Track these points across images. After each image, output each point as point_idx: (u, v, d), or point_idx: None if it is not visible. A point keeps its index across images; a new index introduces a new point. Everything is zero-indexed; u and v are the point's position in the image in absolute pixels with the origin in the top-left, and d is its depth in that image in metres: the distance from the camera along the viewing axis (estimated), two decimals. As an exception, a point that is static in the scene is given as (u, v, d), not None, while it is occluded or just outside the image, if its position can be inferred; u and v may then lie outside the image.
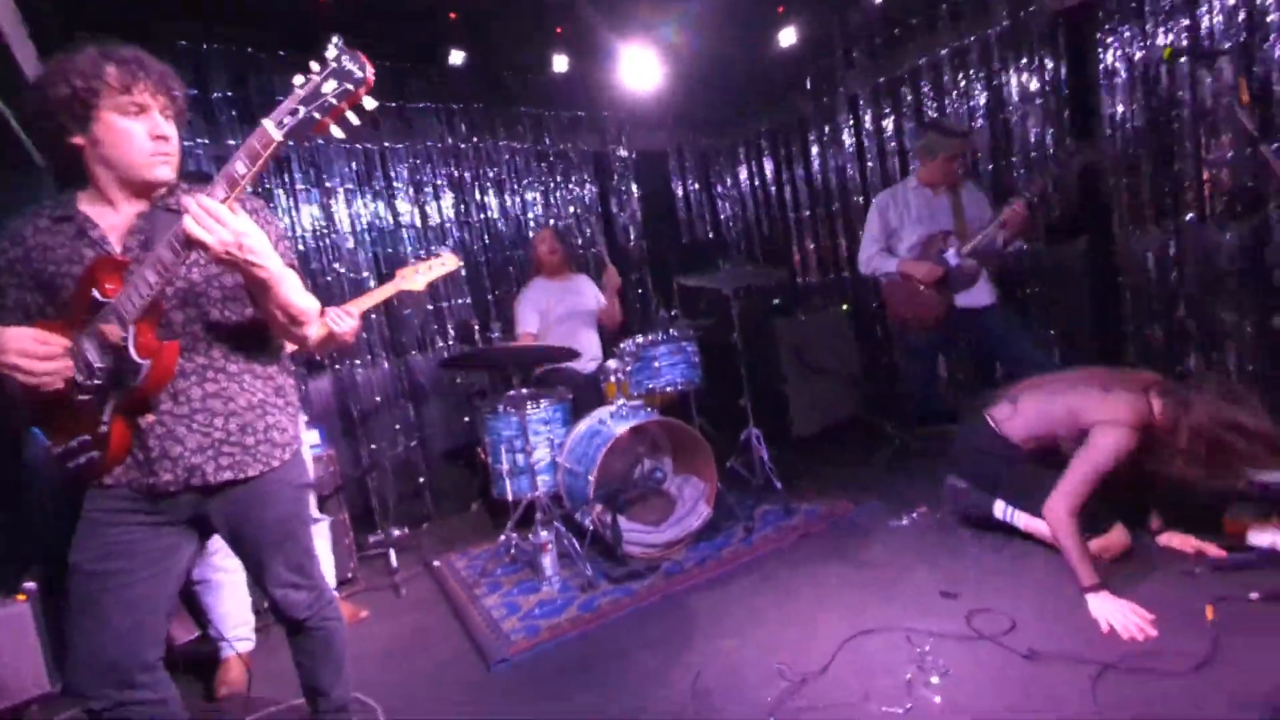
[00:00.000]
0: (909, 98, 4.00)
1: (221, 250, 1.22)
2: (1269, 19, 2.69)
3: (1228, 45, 2.77)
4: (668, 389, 3.12)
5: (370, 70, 1.19)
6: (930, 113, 3.91)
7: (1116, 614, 1.85)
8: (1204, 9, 2.84)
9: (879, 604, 2.19)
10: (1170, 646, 1.74)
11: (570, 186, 4.59)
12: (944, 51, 3.77)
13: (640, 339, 3.17)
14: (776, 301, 4.40)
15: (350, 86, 1.18)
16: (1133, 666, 1.68)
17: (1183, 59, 2.88)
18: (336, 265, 3.66)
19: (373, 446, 3.67)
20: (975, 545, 2.49)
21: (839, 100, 4.39)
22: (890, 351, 4.42)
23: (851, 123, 4.37)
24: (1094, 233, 3.36)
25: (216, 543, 2.16)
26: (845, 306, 4.36)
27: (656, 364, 3.10)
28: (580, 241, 4.63)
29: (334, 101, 1.18)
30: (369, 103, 1.22)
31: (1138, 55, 3.07)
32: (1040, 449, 2.32)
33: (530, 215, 4.39)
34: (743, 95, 4.97)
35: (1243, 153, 2.80)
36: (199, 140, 3.19)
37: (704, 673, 1.96)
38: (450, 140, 4.06)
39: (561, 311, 3.64)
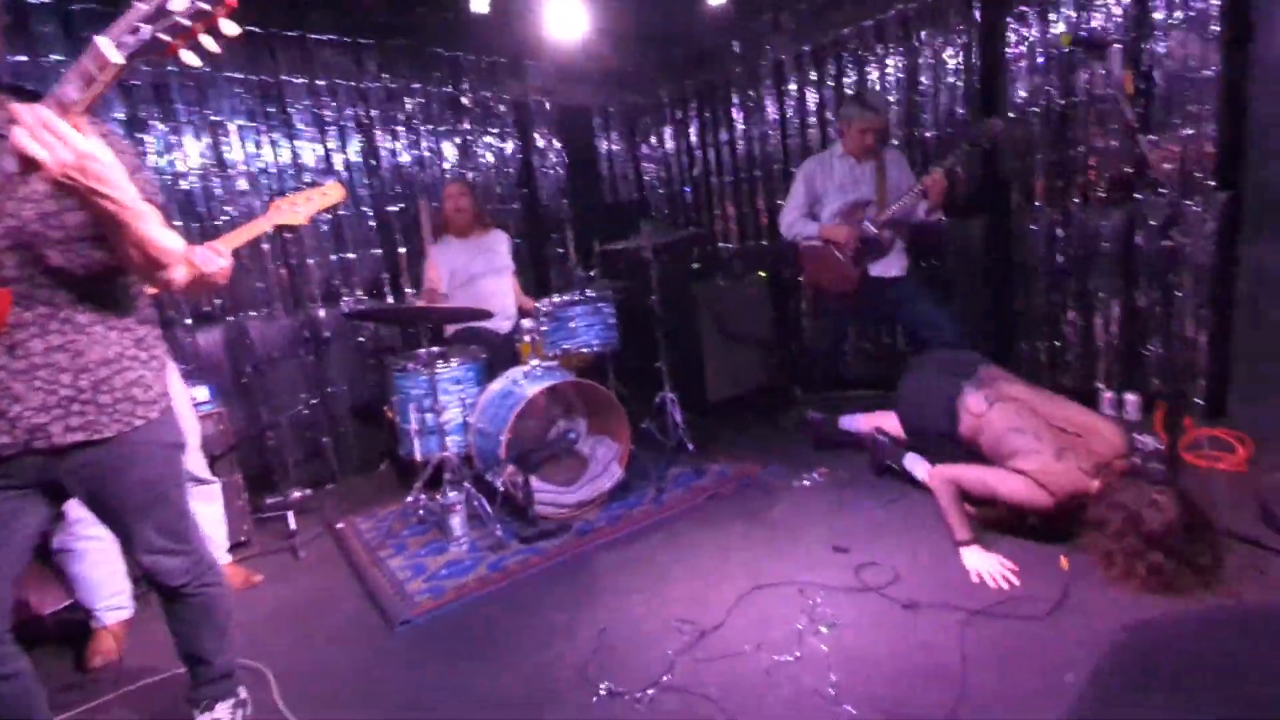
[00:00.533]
0: (832, 67, 4.04)
1: (59, 170, 1.05)
2: (1155, 16, 2.86)
3: (1117, 37, 2.93)
4: (583, 350, 3.09)
5: None
6: (850, 83, 3.97)
7: (985, 565, 2.02)
8: (1101, 1, 2.99)
9: (777, 560, 2.29)
10: (1031, 593, 1.91)
11: (489, 138, 4.39)
12: (868, 23, 3.81)
13: (557, 299, 3.11)
14: (696, 266, 4.42)
15: (206, 6, 1.02)
16: (996, 613, 1.84)
17: (1078, 47, 3.03)
18: (228, 209, 3.37)
19: (271, 403, 3.46)
20: (869, 501, 2.64)
21: (764, 66, 4.38)
22: (803, 319, 4.54)
23: (775, 89, 4.38)
24: (993, 211, 3.54)
25: (82, 509, 2.00)
26: (763, 274, 4.44)
27: (573, 325, 3.06)
28: (500, 195, 4.46)
29: (185, 22, 1.02)
30: (229, 27, 1.06)
31: (1041, 40, 3.21)
32: (970, 447, 2.39)
33: (446, 164, 4.18)
34: (670, 54, 4.87)
35: (1125, 142, 3.00)
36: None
37: (609, 629, 2.00)
38: (358, 79, 3.77)
39: (474, 270, 3.52)
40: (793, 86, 4.27)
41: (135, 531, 1.43)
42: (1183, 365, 3.01)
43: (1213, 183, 2.84)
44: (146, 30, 1.02)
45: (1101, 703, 1.22)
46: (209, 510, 2.55)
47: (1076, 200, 3.24)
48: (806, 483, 2.91)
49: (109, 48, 1.03)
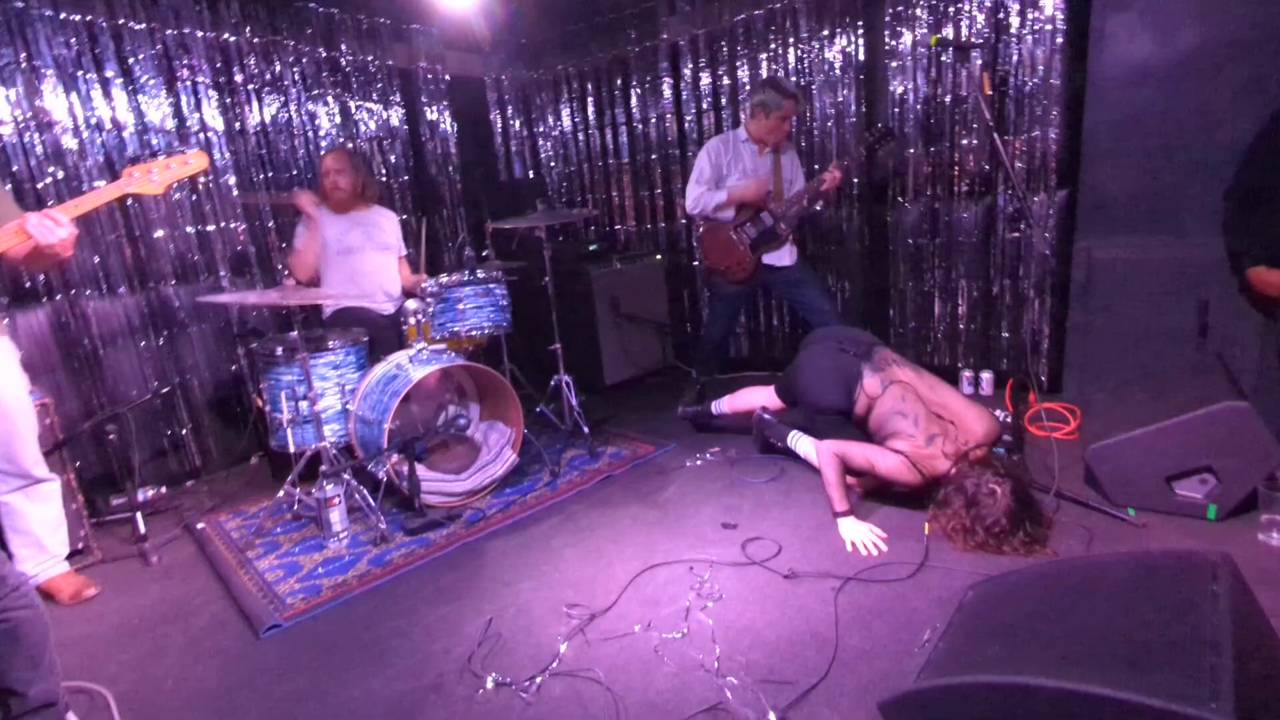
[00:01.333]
0: (726, 53, 4.09)
1: None
2: (1012, 24, 3.11)
3: (978, 41, 3.17)
4: (473, 333, 2.98)
5: None
6: (743, 71, 4.04)
7: (859, 535, 2.15)
8: (966, 4, 3.21)
9: (669, 538, 2.33)
10: (899, 559, 2.06)
11: (371, 105, 4.10)
12: (758, 12, 3.88)
13: (445, 279, 2.97)
14: (593, 248, 4.38)
15: None
16: (867, 578, 1.97)
17: (944, 48, 3.25)
18: (53, 170, 2.94)
19: (112, 393, 3.08)
20: (755, 478, 2.74)
21: (660, 46, 4.38)
22: (698, 302, 4.63)
23: (671, 72, 4.38)
24: (871, 202, 3.75)
25: None
26: (659, 257, 4.47)
27: (461, 306, 2.94)
28: (385, 169, 4.19)
29: None
30: None
31: (915, 40, 3.40)
32: (857, 422, 2.55)
33: (322, 132, 3.86)
34: (567, 29, 4.75)
35: (984, 141, 3.27)
36: None
37: (496, 618, 1.95)
38: (214, 30, 3.39)
39: (351, 242, 3.28)
40: (688, 70, 4.29)
41: None
42: (1028, 347, 3.35)
43: (1054, 181, 3.14)
44: None
45: (949, 654, 1.33)
46: (45, 512, 2.25)
47: (942, 194, 3.49)
48: (699, 462, 2.98)
49: None
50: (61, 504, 2.33)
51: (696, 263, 4.51)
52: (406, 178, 4.30)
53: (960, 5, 3.23)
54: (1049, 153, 3.14)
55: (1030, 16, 3.07)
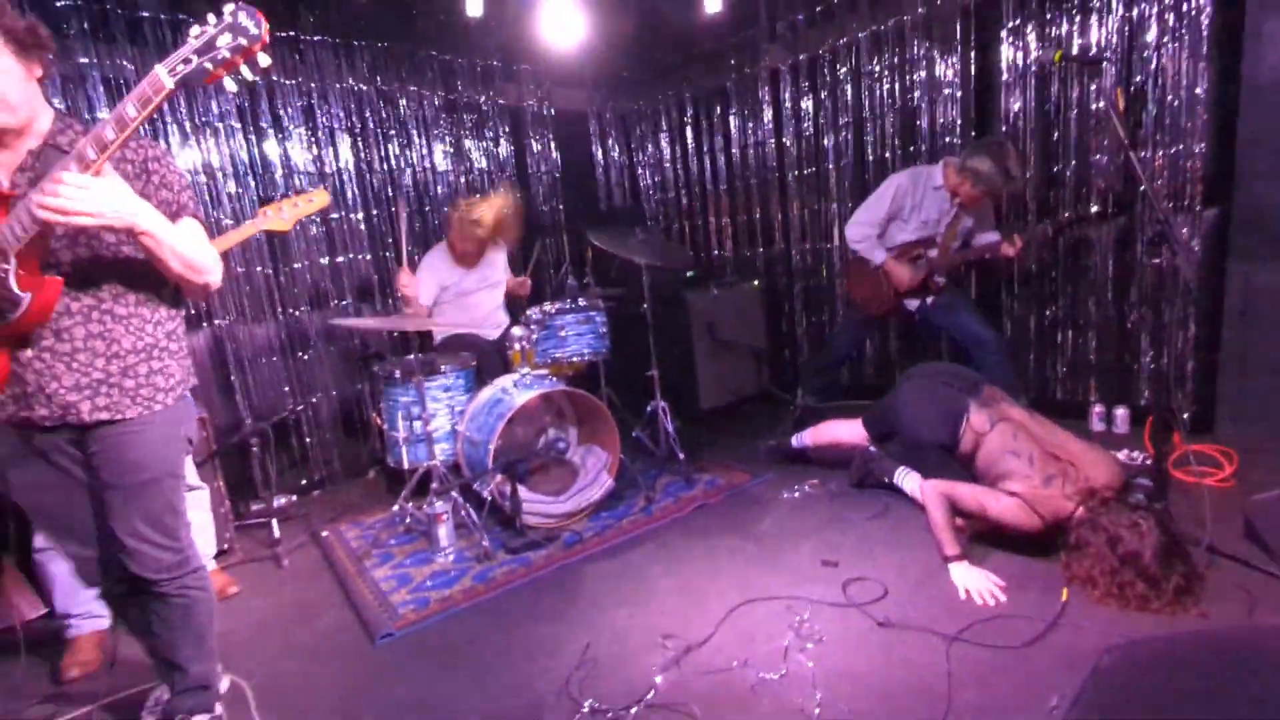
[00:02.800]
0: (829, 77, 4.04)
1: (77, 226, 1.27)
2: (1148, 36, 2.88)
3: (1109, 55, 2.95)
4: (574, 359, 3.07)
5: (265, 27, 1.23)
6: (847, 92, 3.96)
7: (974, 582, 2.01)
8: (1094, 16, 3.01)
9: (765, 573, 2.27)
10: (1019, 611, 1.90)
11: (483, 142, 4.37)
12: (863, 34, 3.82)
13: (548, 307, 3.09)
14: (690, 274, 4.41)
15: (244, 41, 1.21)
16: (984, 631, 1.83)
17: (1069, 63, 3.04)
18: (216, 213, 3.33)
19: (256, 409, 3.42)
20: (858, 514, 2.63)
21: (761, 74, 4.39)
22: (796, 328, 4.54)
23: (772, 98, 4.38)
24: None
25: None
26: (756, 283, 4.43)
27: (563, 333, 3.04)
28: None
29: (227, 54, 1.21)
30: (264, 59, 1.26)
31: (1033, 55, 3.22)
32: (963, 462, 2.42)
33: (439, 169, 4.15)
34: (667, 61, 4.87)
35: (1116, 157, 3.02)
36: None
37: (593, 643, 1.98)
38: (350, 80, 3.74)
39: (468, 285, 3.49)
40: (789, 95, 4.27)
41: (122, 509, 1.46)
42: (1171, 381, 3.02)
43: (1201, 200, 2.85)
44: (196, 61, 1.22)
45: (1086, 728, 1.21)
46: (194, 517, 2.51)
47: (1068, 215, 3.24)
48: (796, 494, 2.90)
49: (164, 75, 1.22)
50: (210, 509, 2.60)
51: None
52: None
53: (1087, 16, 3.03)
54: (1194, 168, 2.85)
55: (1170, 22, 2.83)
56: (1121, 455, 2.72)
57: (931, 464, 2.58)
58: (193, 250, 1.42)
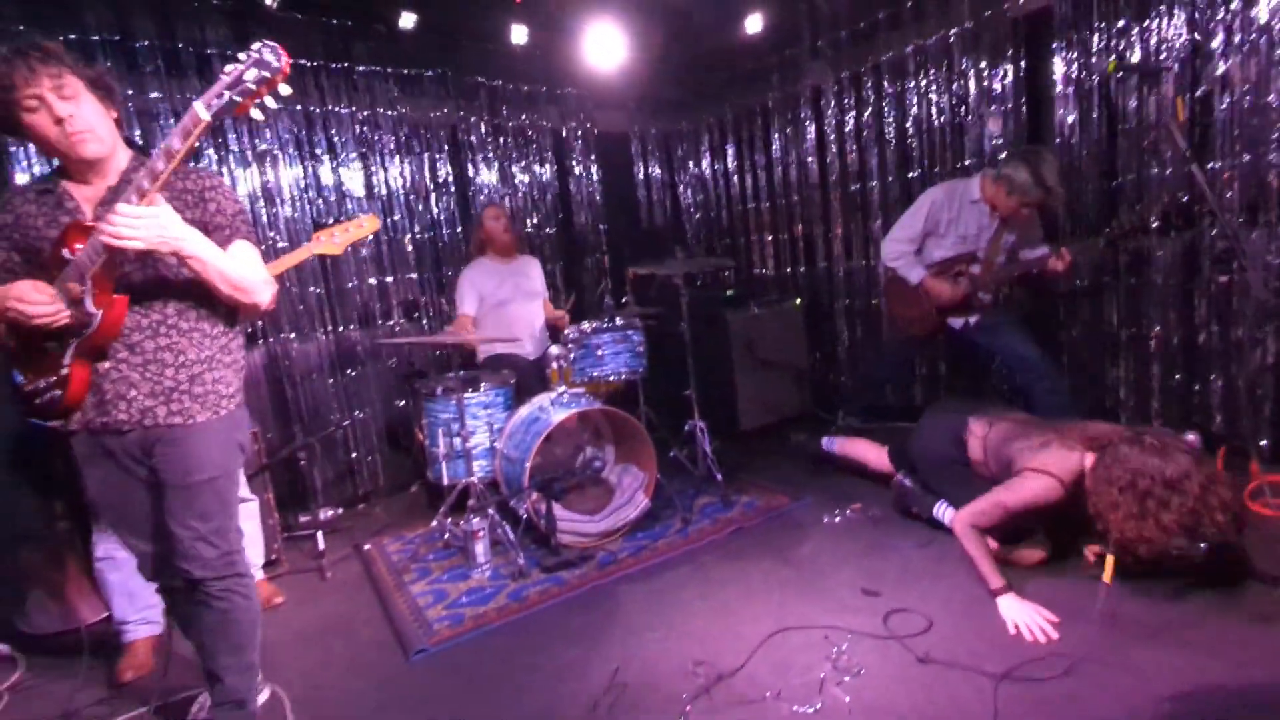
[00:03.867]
0: (873, 93, 3.98)
1: (142, 250, 1.41)
2: (1213, 43, 2.73)
3: (1168, 64, 2.81)
4: (611, 378, 3.07)
5: (285, 60, 1.36)
6: (890, 110, 3.90)
7: (1023, 616, 1.90)
8: (1152, 26, 2.88)
9: (803, 600, 2.21)
10: (1071, 649, 1.79)
11: (527, 163, 4.46)
12: (908, 49, 3.75)
13: (585, 326, 3.11)
14: (730, 293, 4.38)
15: (267, 74, 1.35)
16: (1033, 670, 1.72)
17: (1125, 74, 2.91)
18: (273, 234, 3.49)
19: (305, 423, 3.54)
20: (902, 542, 2.53)
21: (802, 92, 4.36)
22: (838, 347, 4.44)
23: (814, 115, 4.34)
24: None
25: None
26: (799, 301, 4.37)
27: (600, 352, 3.05)
28: (537, 220, 4.52)
29: (252, 87, 1.35)
30: (284, 89, 1.39)
31: (1087, 66, 3.10)
32: (983, 473, 2.39)
33: (484, 190, 4.26)
34: (708, 81, 4.90)
35: (1179, 169, 2.86)
36: (125, 91, 3.00)
37: (623, 667, 1.95)
38: (400, 107, 3.89)
39: (504, 294, 3.55)
40: (831, 112, 4.22)
41: (182, 505, 1.55)
42: (1247, 405, 2.82)
43: (1277, 212, 2.67)
44: (228, 95, 1.35)
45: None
46: (245, 528, 2.60)
47: (1127, 230, 3.09)
48: (838, 519, 2.82)
49: (202, 110, 1.35)
50: (259, 520, 2.69)
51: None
52: (552, 229, 4.59)
53: (1147, 25, 2.90)
54: (1267, 180, 2.68)
55: (1236, 28, 2.68)
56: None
57: (954, 484, 2.49)
58: (240, 272, 1.54)
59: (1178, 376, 3.06)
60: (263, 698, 1.91)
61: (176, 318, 1.55)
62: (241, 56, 1.36)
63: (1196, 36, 2.78)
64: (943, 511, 2.52)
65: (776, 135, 4.59)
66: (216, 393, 1.59)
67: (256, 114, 1.40)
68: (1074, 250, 2.85)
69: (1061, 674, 1.70)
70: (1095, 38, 3.06)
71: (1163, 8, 2.85)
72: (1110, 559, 1.87)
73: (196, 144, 1.40)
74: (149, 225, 1.39)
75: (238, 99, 1.35)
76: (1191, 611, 1.90)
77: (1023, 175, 2.80)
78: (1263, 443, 2.79)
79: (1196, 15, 2.77)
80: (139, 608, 2.24)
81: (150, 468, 1.56)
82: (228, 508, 1.64)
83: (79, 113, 1.44)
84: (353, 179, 3.74)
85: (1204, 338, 2.96)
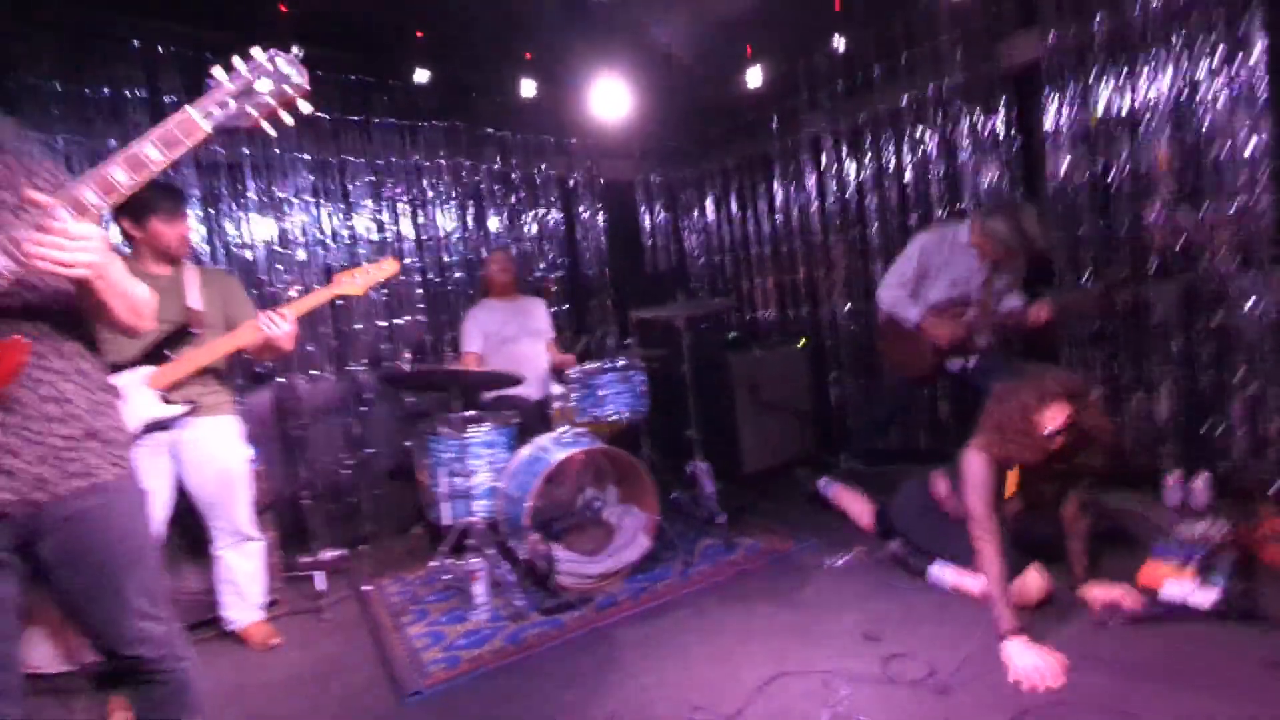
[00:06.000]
0: (871, 140, 4.10)
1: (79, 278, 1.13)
2: (1198, 85, 2.82)
3: (1158, 110, 2.90)
4: (613, 418, 3.09)
5: (305, 75, 1.22)
6: (889, 156, 4.00)
7: (1031, 660, 1.85)
8: (1144, 73, 2.97)
9: (803, 645, 2.17)
10: (1081, 695, 1.74)
11: (535, 210, 4.60)
12: (904, 100, 3.88)
13: (588, 366, 3.15)
14: (733, 335, 4.43)
15: (288, 89, 1.20)
16: (1038, 716, 1.68)
17: (1106, 124, 3.00)
18: (288, 277, 3.60)
19: (310, 463, 3.57)
20: (905, 585, 2.49)
21: (802, 141, 4.49)
22: (843, 390, 4.45)
23: (813, 163, 4.46)
24: (1036, 283, 3.44)
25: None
26: (803, 341, 4.40)
27: (602, 393, 3.08)
28: (544, 266, 4.62)
29: (270, 100, 1.19)
30: (304, 106, 1.24)
31: (1076, 116, 3.19)
32: (954, 511, 2.41)
33: (493, 237, 4.38)
34: (710, 131, 5.07)
35: (1169, 214, 2.91)
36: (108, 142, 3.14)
37: (619, 711, 1.91)
38: (413, 157, 4.04)
39: (509, 333, 3.61)
40: (830, 160, 4.34)
41: (120, 593, 1.30)
42: (1252, 447, 2.79)
43: (1270, 256, 2.70)
44: (234, 104, 1.17)
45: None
46: (250, 566, 2.61)
47: (1124, 275, 3.12)
48: (840, 562, 2.78)
49: (199, 117, 1.15)
50: (264, 559, 2.69)
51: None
52: (559, 274, 4.69)
53: (1136, 75, 2.99)
54: (1260, 222, 2.72)
55: (1222, 77, 2.76)
56: (1200, 529, 2.49)
57: (936, 533, 2.52)
58: (136, 290, 1.29)
59: (1183, 421, 3.04)
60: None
61: (52, 355, 1.22)
62: (241, 64, 1.18)
63: (1182, 86, 2.86)
64: (937, 575, 2.48)
65: (778, 182, 4.71)
66: (115, 441, 1.30)
67: (269, 128, 1.21)
68: (1064, 298, 2.91)
69: (1067, 722, 1.65)
70: (1083, 87, 3.16)
71: (1150, 57, 2.94)
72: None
73: (179, 159, 1.16)
74: (91, 249, 1.10)
75: (251, 111, 1.18)
76: (1200, 656, 1.86)
77: (1003, 228, 2.90)
78: (1276, 488, 2.75)
79: (1184, 66, 2.86)
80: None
81: (35, 556, 1.25)
82: (157, 572, 1.41)
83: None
84: (363, 225, 3.86)
85: (1206, 380, 2.95)
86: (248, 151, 3.46)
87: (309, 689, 2.26)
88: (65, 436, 1.23)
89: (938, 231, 3.21)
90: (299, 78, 1.21)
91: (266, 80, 1.19)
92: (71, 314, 1.26)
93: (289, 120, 1.23)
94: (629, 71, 3.99)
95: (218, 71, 1.18)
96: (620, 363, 3.13)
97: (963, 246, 3.11)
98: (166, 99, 3.20)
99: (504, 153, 4.43)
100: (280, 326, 2.24)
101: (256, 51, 1.20)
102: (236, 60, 1.18)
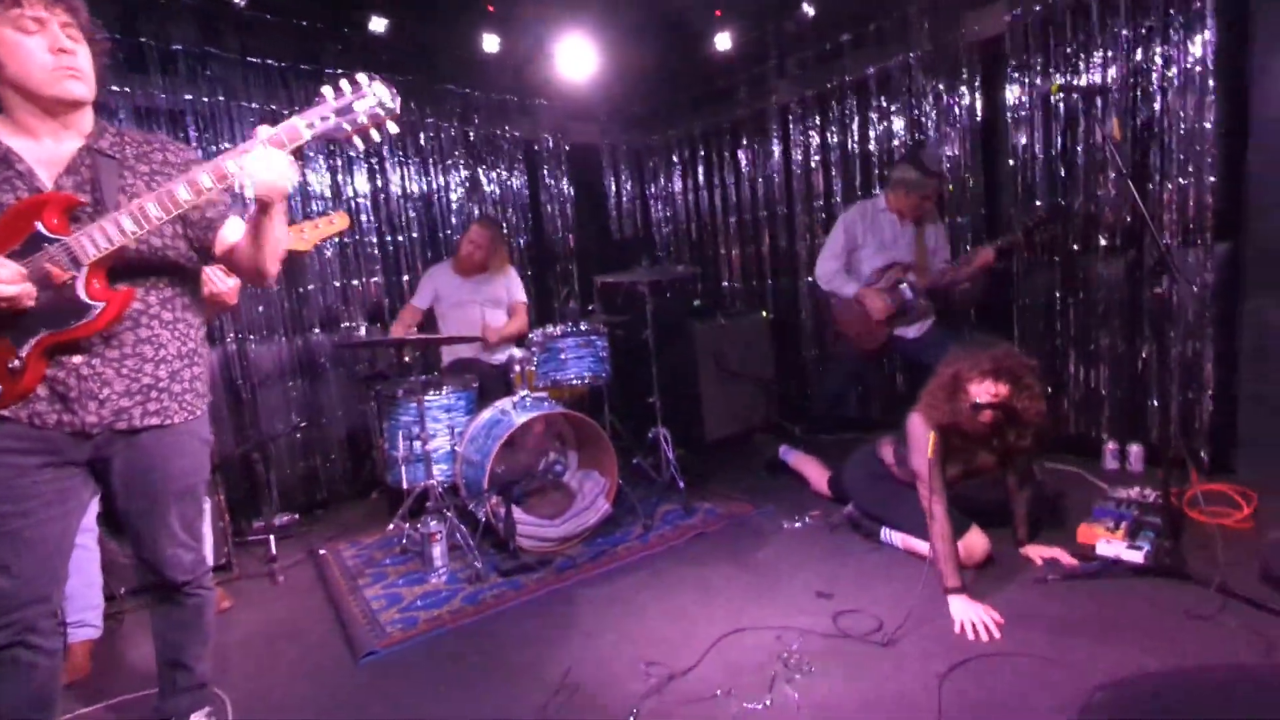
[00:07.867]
0: (837, 112, 4.10)
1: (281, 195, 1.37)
2: (1153, 66, 2.88)
3: (1108, 86, 2.96)
4: (574, 382, 3.07)
5: (399, 100, 1.40)
6: (855, 127, 4.01)
7: (971, 615, 1.94)
8: (1098, 53, 3.02)
9: (758, 603, 2.22)
10: (1016, 646, 1.83)
11: (497, 172, 4.48)
12: (870, 70, 3.87)
13: (549, 330, 3.11)
14: (697, 303, 4.43)
15: (381, 112, 1.37)
16: (978, 666, 1.76)
17: (1068, 94, 3.06)
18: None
19: (262, 426, 3.47)
20: (858, 547, 2.57)
21: (770, 109, 4.46)
22: (805, 360, 4.51)
23: (781, 133, 4.44)
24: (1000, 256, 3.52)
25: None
26: (765, 314, 4.43)
27: (563, 356, 3.05)
28: (506, 230, 4.52)
29: (364, 120, 1.37)
30: (392, 128, 1.40)
31: (1036, 91, 3.23)
32: (901, 476, 2.49)
33: (453, 198, 4.26)
34: (678, 96, 4.99)
35: (1121, 188, 2.99)
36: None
37: (575, 668, 1.93)
38: (370, 112, 3.88)
39: (463, 297, 3.54)
40: (797, 130, 4.33)
41: (164, 520, 1.48)
42: (1183, 417, 2.94)
43: (1212, 234, 2.80)
44: (334, 119, 1.36)
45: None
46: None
47: (1075, 248, 3.21)
48: (798, 525, 2.85)
49: (303, 127, 1.35)
50: (210, 523, 2.62)
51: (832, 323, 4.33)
52: (523, 239, 4.60)
53: (1091, 54, 3.05)
54: (1204, 202, 2.82)
55: (1174, 57, 2.83)
56: (1134, 493, 2.63)
57: (885, 498, 2.58)
58: (285, 234, 1.51)
59: (1121, 391, 3.16)
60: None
61: (159, 307, 1.41)
62: (346, 86, 1.36)
63: (1138, 63, 2.92)
64: (888, 534, 2.56)
65: (745, 151, 4.68)
66: (194, 391, 1.49)
67: (359, 143, 1.40)
68: (994, 245, 3.06)
69: (1004, 669, 1.74)
70: (1044, 63, 3.20)
71: (1108, 36, 2.99)
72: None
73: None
74: (290, 174, 1.35)
75: (346, 127, 1.36)
76: (1130, 609, 1.96)
77: (910, 173, 3.12)
78: (1204, 455, 2.90)
79: (1138, 48, 2.91)
80: (76, 610, 2.16)
81: (97, 472, 1.42)
82: (200, 509, 1.61)
83: (81, 51, 1.32)
84: (317, 182, 3.71)
85: (1147, 353, 3.07)
86: (189, 98, 3.27)
87: (262, 650, 2.23)
88: (154, 377, 1.41)
89: (858, 205, 3.41)
90: (392, 102, 1.38)
91: (363, 101, 1.36)
92: (185, 273, 1.48)
93: (376, 137, 1.41)
94: (596, 29, 3.88)
95: (326, 90, 1.37)
96: (583, 326, 3.11)
97: (883, 212, 3.30)
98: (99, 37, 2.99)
99: (465, 111, 4.28)
100: (226, 281, 2.14)
101: (361, 77, 1.37)
102: (343, 82, 1.36)
